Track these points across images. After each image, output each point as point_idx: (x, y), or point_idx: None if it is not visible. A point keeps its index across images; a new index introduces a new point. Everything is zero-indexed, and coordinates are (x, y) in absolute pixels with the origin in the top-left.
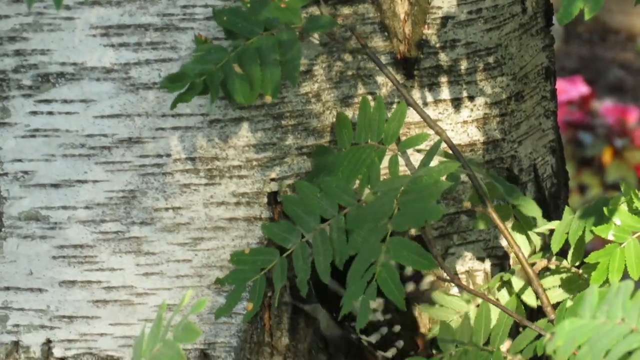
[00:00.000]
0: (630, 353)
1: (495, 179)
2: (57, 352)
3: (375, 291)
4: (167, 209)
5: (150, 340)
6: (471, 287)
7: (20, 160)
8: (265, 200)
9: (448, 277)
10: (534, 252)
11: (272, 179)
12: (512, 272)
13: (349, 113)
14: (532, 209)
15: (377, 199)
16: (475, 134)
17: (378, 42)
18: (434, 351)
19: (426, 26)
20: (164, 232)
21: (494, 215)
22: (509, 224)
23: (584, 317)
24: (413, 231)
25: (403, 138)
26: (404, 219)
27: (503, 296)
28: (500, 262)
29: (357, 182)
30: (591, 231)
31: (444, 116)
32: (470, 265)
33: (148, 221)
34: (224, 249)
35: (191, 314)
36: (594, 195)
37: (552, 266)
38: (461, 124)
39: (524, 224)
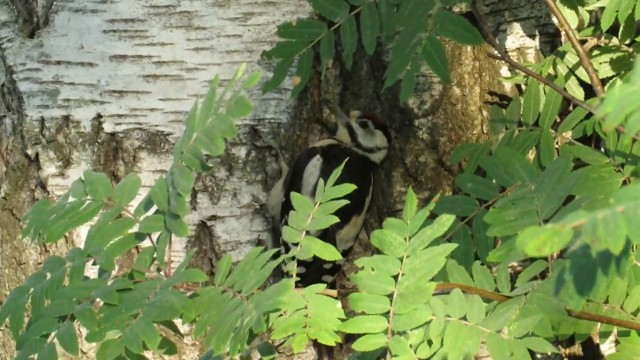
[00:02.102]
0: None
1: None
2: (107, 127)
3: (420, 64)
4: None
5: (203, 114)
6: (522, 64)
7: None
8: None
9: (499, 54)
10: (582, 28)
11: None
12: (563, 51)
13: None
14: None
15: None
16: None
17: None
18: None
19: None
20: (214, 6)
21: None
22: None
23: (635, 84)
24: (464, 7)
25: None
26: None
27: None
28: (552, 39)
29: None
30: None
31: None
32: (522, 42)
33: None
34: (275, 24)
35: (243, 89)
36: None
37: (602, 44)
38: None
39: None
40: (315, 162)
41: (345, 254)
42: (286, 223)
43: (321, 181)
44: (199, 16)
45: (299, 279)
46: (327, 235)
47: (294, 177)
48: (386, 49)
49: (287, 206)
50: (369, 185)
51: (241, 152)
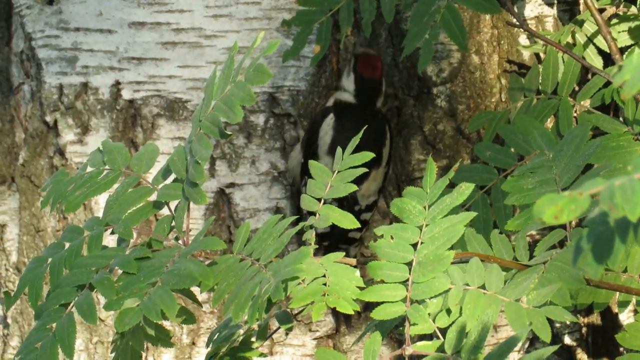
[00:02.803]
0: None
1: None
2: (126, 94)
3: (438, 32)
4: None
5: (221, 82)
6: (540, 32)
7: None
8: None
9: (517, 23)
10: None
11: None
12: (581, 20)
13: None
14: None
15: None
16: None
17: None
18: None
19: None
20: None
21: None
22: None
23: None
24: None
25: None
26: None
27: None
28: (570, 8)
29: None
30: None
31: None
32: (540, 10)
33: None
34: None
35: (261, 56)
36: None
37: (621, 12)
38: None
39: None
40: (329, 121)
41: (369, 208)
42: (306, 184)
43: (339, 149)
44: None
45: (317, 246)
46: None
47: (310, 138)
48: (405, 17)
49: (306, 168)
50: (384, 136)
51: (259, 119)
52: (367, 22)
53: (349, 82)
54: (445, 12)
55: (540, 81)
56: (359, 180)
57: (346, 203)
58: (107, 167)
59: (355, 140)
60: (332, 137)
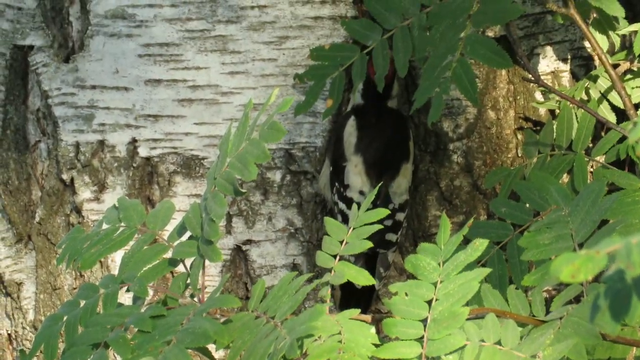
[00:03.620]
0: None
1: None
2: (142, 151)
3: (448, 86)
4: (252, 7)
5: (236, 139)
6: (557, 88)
7: None
8: None
9: (533, 78)
10: (614, 52)
11: None
12: (596, 75)
13: None
14: (614, 8)
15: None
16: None
17: None
18: None
19: None
20: (249, 30)
21: (576, 16)
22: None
23: None
24: (498, 30)
25: None
26: (484, 17)
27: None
28: (586, 63)
29: None
30: None
31: None
32: (556, 65)
33: (234, 19)
34: (310, 48)
35: (277, 113)
36: None
37: (635, 68)
38: None
39: (605, 24)
40: (352, 122)
41: (402, 207)
42: (337, 192)
43: (354, 206)
44: (234, 40)
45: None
46: (380, 191)
47: (336, 142)
48: (420, 72)
49: (334, 175)
50: (407, 131)
51: (276, 176)
52: (380, 76)
53: (360, 85)
54: (457, 66)
55: (554, 137)
56: (389, 178)
57: (380, 202)
58: (122, 224)
59: (369, 198)
60: (357, 136)
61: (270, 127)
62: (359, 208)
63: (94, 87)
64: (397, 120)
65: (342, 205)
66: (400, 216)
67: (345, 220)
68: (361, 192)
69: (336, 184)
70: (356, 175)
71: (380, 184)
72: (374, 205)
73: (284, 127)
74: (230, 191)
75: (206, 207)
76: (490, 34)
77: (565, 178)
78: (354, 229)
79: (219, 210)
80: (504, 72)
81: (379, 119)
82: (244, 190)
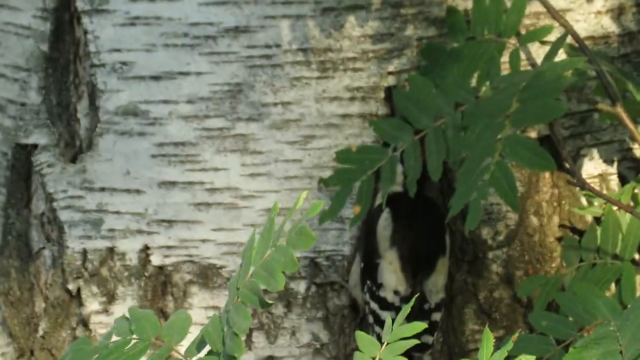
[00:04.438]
0: None
1: (625, 74)
2: (155, 259)
3: (487, 190)
4: (275, 104)
5: (261, 246)
6: (604, 192)
7: (118, 51)
8: (382, 95)
9: (578, 182)
10: None
11: (390, 73)
12: None
13: (462, 5)
14: None
15: (495, 94)
16: (609, 25)
17: None
18: None
19: None
20: (272, 129)
21: (623, 115)
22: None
23: None
24: (541, 130)
25: (529, 29)
26: (524, 116)
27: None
28: (636, 165)
29: (475, 78)
30: None
31: (575, 5)
32: (604, 168)
33: (255, 117)
34: (337, 148)
35: (305, 218)
36: None
37: None
38: (594, 14)
39: None
40: (386, 215)
41: (439, 307)
42: (369, 291)
43: (388, 318)
44: (255, 139)
45: None
46: (415, 289)
47: (367, 237)
48: (457, 175)
49: (366, 273)
50: (442, 221)
51: (300, 286)
52: (412, 180)
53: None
54: (496, 170)
55: (599, 243)
56: (425, 275)
57: (415, 303)
58: (134, 336)
59: (404, 311)
60: (392, 228)
61: (299, 232)
62: (395, 310)
63: (103, 189)
64: (433, 210)
65: (374, 305)
66: (437, 316)
67: (378, 322)
68: (396, 292)
69: (368, 282)
70: (391, 273)
71: (416, 296)
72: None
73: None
74: (255, 302)
75: (228, 320)
76: (532, 134)
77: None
78: (388, 344)
79: (243, 323)
80: (547, 174)
81: (415, 209)
82: (270, 302)
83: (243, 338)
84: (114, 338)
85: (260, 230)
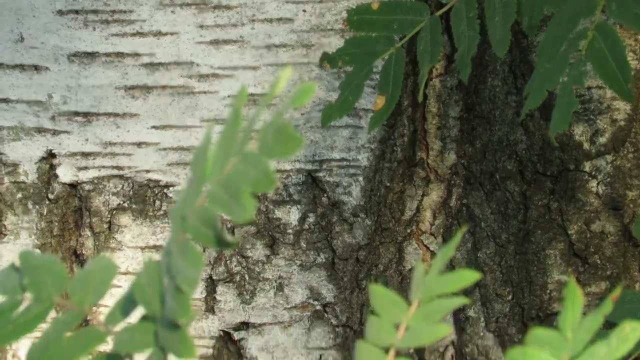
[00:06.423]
0: None
1: None
2: (64, 174)
3: (583, 70)
4: None
5: (220, 153)
6: None
7: None
8: None
9: None
10: None
11: None
12: None
13: None
14: None
15: None
16: None
17: None
18: None
19: None
20: None
21: None
22: None
23: None
24: None
25: None
26: None
27: None
28: None
29: None
30: None
31: None
32: None
33: None
34: (348, 3)
35: (289, 109)
36: None
37: None
38: None
39: None
40: None
41: None
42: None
43: (419, 264)
44: None
45: None
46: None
47: None
48: (535, 42)
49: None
50: None
51: (291, 216)
52: (463, 56)
53: None
54: (596, 37)
55: None
56: None
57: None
58: (28, 294)
59: (448, 250)
60: None
61: (277, 132)
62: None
63: None
64: None
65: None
66: None
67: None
68: None
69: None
70: None
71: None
72: None
73: (302, 135)
74: (210, 240)
75: (170, 268)
76: None
77: None
78: (419, 303)
79: (191, 271)
80: None
81: None
82: (234, 240)
83: (194, 295)
84: None
85: (220, 128)
